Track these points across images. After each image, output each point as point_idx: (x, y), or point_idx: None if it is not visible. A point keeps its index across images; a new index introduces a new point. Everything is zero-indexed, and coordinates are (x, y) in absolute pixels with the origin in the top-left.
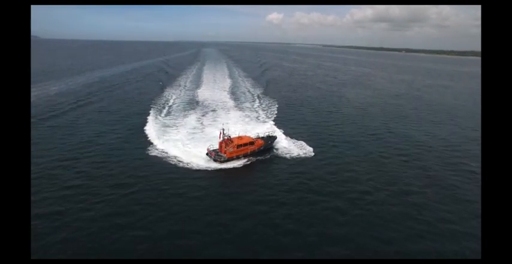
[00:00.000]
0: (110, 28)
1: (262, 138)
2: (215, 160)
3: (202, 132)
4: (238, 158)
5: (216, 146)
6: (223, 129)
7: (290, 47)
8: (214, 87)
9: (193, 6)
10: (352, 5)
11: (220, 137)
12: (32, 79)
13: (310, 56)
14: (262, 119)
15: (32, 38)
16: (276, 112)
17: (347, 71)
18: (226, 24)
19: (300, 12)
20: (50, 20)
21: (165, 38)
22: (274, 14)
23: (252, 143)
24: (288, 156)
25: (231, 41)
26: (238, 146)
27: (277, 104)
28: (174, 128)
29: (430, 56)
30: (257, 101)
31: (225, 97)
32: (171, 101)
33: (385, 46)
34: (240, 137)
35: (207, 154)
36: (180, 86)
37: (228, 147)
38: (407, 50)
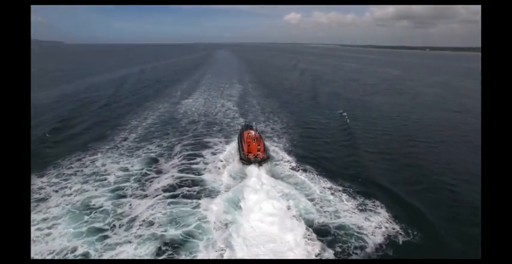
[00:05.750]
0: (131, 30)
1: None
2: (258, 162)
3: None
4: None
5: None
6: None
7: (307, 47)
8: (222, 95)
9: (210, 10)
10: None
11: (251, 136)
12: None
13: (329, 56)
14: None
15: (56, 44)
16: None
17: (375, 74)
18: (243, 26)
19: (318, 12)
20: (76, 26)
21: (184, 41)
22: (292, 14)
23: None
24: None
25: (248, 42)
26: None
27: (299, 129)
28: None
29: (458, 53)
30: (273, 120)
31: (232, 107)
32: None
33: (406, 44)
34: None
35: (247, 161)
36: (180, 91)
37: (260, 144)
38: (432, 48)
